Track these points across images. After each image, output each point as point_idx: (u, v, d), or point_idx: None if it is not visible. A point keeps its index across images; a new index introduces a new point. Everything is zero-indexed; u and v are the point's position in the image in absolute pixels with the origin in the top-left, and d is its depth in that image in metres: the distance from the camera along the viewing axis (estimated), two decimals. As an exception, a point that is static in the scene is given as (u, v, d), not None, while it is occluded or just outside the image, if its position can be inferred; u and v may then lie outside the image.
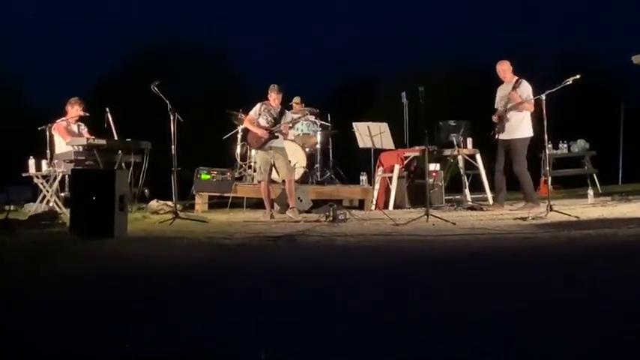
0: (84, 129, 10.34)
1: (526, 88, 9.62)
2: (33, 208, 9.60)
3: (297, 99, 12.96)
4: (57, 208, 9.29)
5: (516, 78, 9.78)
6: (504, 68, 9.91)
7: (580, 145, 14.33)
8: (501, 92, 9.99)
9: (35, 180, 9.72)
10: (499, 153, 9.90)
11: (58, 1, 32.82)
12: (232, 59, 28.85)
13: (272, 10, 34.97)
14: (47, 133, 9.86)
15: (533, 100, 9.42)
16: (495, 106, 10.02)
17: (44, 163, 9.73)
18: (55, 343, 3.07)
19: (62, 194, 9.73)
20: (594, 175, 13.88)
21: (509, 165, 9.79)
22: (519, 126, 9.67)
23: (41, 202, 9.61)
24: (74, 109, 10.24)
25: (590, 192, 10.85)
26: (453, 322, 3.26)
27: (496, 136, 9.87)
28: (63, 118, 10.17)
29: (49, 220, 8.50)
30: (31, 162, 9.76)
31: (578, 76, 8.49)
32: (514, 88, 9.66)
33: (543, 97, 8.53)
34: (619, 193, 11.42)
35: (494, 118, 9.85)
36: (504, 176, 9.91)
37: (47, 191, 9.48)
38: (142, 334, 3.21)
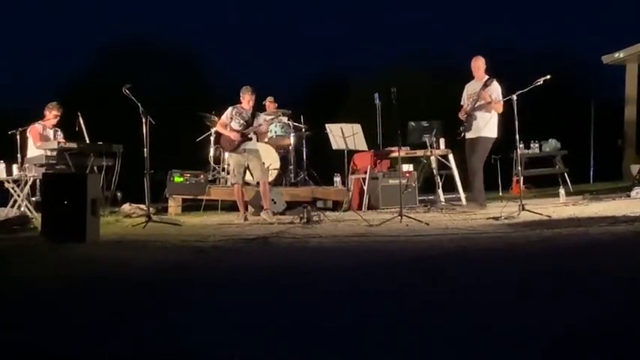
0: (60, 135, 10.26)
1: (496, 89, 9.48)
2: (4, 212, 9.48)
3: (270, 98, 12.99)
4: (28, 213, 9.19)
5: (487, 77, 9.65)
6: (479, 65, 9.76)
7: (551, 144, 14.51)
8: (470, 89, 9.85)
9: (6, 184, 9.60)
10: (468, 153, 9.78)
11: (26, 2, 32.54)
12: (205, 60, 28.82)
13: (245, 11, 34.99)
14: (18, 137, 9.75)
15: (502, 101, 9.34)
16: (462, 103, 9.90)
17: (15, 167, 9.63)
18: (29, 345, 3.04)
19: (33, 199, 9.65)
20: (565, 175, 14.05)
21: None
22: (486, 125, 9.56)
23: (12, 206, 9.49)
24: (52, 114, 10.19)
25: (562, 191, 10.97)
26: (429, 321, 3.27)
27: (462, 135, 9.78)
28: (40, 121, 10.09)
29: (21, 225, 8.44)
30: (1, 166, 9.64)
31: (548, 77, 8.56)
32: (484, 86, 9.48)
33: (514, 97, 8.59)
34: (590, 192, 11.54)
35: (462, 116, 9.75)
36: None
37: (18, 196, 9.38)
38: (117, 335, 3.19)
